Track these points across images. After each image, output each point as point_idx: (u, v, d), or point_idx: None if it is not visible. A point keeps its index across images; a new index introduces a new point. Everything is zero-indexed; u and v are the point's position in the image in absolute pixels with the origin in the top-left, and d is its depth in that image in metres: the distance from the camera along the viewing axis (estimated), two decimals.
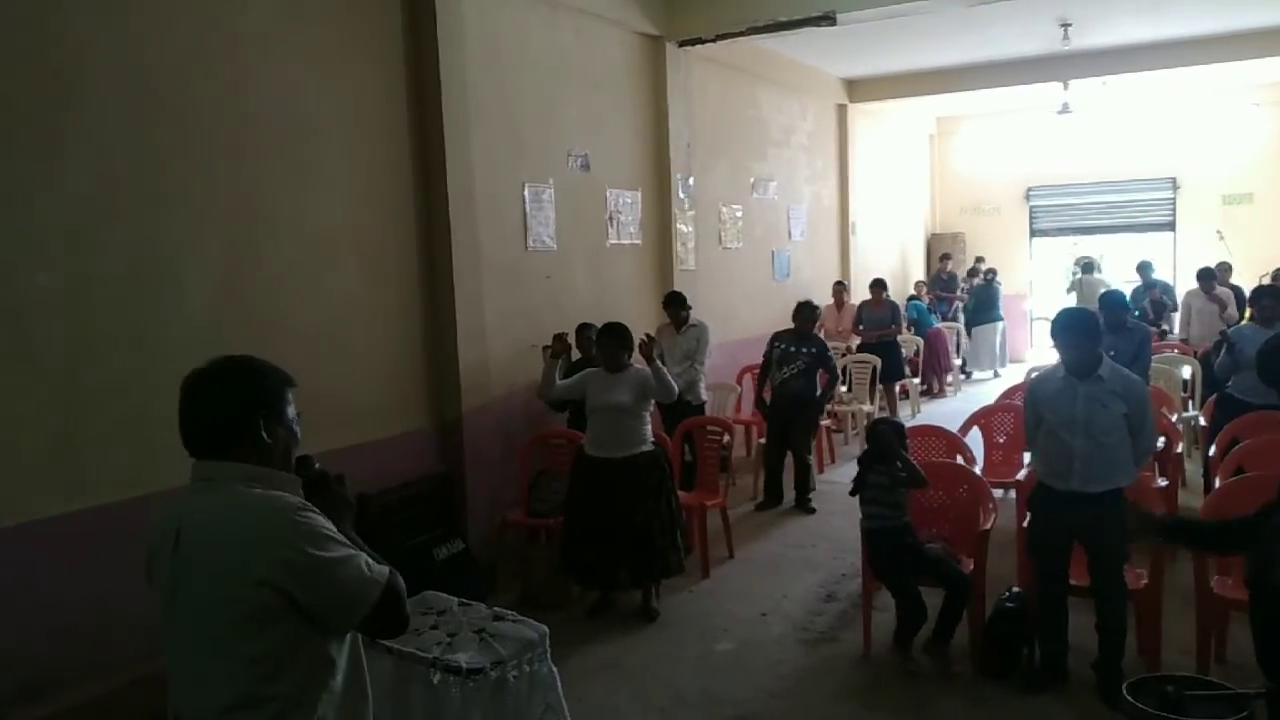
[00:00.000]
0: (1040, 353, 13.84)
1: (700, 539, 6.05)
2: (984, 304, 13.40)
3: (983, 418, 6.94)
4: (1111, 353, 4.91)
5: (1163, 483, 5.62)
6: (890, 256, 13.93)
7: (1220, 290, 9.75)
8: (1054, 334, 4.27)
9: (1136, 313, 9.81)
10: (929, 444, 6.06)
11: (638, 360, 5.44)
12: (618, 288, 7.57)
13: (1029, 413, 4.42)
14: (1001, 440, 6.82)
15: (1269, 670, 3.24)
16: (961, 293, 14.04)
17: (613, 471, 5.27)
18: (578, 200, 7.11)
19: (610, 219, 7.55)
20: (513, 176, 6.44)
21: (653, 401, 5.47)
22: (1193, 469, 7.12)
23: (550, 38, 6.83)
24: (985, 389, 11.75)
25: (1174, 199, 14.04)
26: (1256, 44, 10.29)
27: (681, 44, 8.21)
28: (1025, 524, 4.56)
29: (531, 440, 6.35)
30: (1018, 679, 4.41)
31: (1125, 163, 14.08)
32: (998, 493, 5.61)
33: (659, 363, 5.44)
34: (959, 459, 5.82)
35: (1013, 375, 11.92)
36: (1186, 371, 8.43)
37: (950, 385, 12.59)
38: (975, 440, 6.69)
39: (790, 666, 4.79)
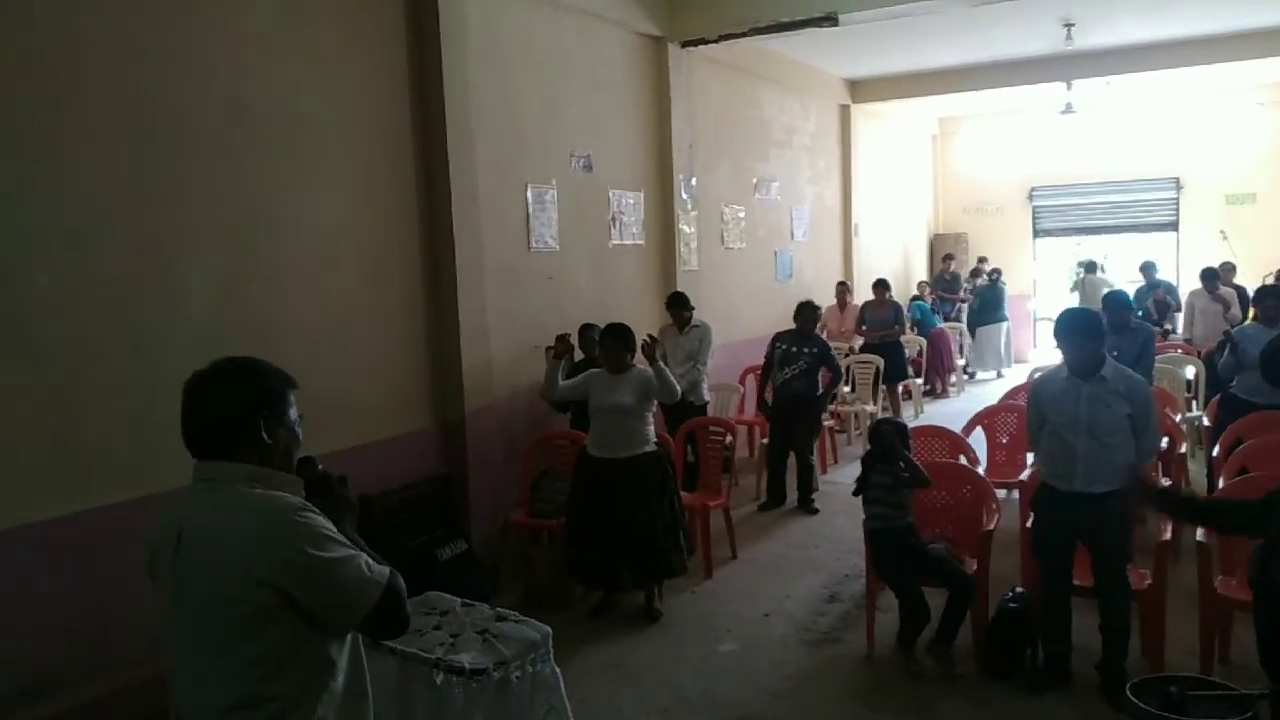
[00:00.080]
0: (1044, 353, 13.83)
1: (703, 539, 6.05)
2: (989, 304, 13.38)
3: (986, 418, 6.93)
4: (1115, 353, 4.90)
5: (1167, 483, 5.60)
6: (893, 257, 13.92)
7: (1224, 290, 9.74)
8: (1057, 334, 4.27)
9: (1140, 313, 9.79)
10: (932, 444, 6.05)
11: (640, 361, 5.44)
12: (620, 288, 7.57)
13: (1032, 413, 4.42)
14: (1005, 441, 6.81)
15: (1272, 671, 3.24)
16: (966, 292, 14.02)
17: (615, 472, 5.27)
18: (580, 201, 7.11)
19: (613, 219, 7.55)
20: (515, 177, 6.44)
21: (655, 402, 5.46)
22: (1196, 469, 7.11)
23: (553, 38, 6.83)
24: (988, 389, 11.74)
25: (1177, 199, 14.01)
26: (1260, 44, 10.27)
27: (684, 44, 8.21)
28: (1028, 524, 4.55)
29: (534, 441, 6.35)
30: (1021, 680, 4.41)
31: (1128, 163, 14.06)
32: (1001, 493, 5.60)
33: (661, 363, 5.43)
34: (962, 459, 5.81)
35: (1016, 376, 11.92)
36: (1190, 372, 8.41)
37: (953, 386, 12.58)
38: (979, 441, 6.69)
39: (793, 667, 4.78)
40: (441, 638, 3.57)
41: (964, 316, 13.76)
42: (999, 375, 13.38)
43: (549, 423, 6.58)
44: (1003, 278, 13.76)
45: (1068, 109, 11.90)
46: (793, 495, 7.58)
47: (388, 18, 5.50)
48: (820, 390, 7.56)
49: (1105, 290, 9.47)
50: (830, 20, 7.64)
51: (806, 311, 7.56)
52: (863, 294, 11.40)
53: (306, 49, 4.99)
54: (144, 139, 4.22)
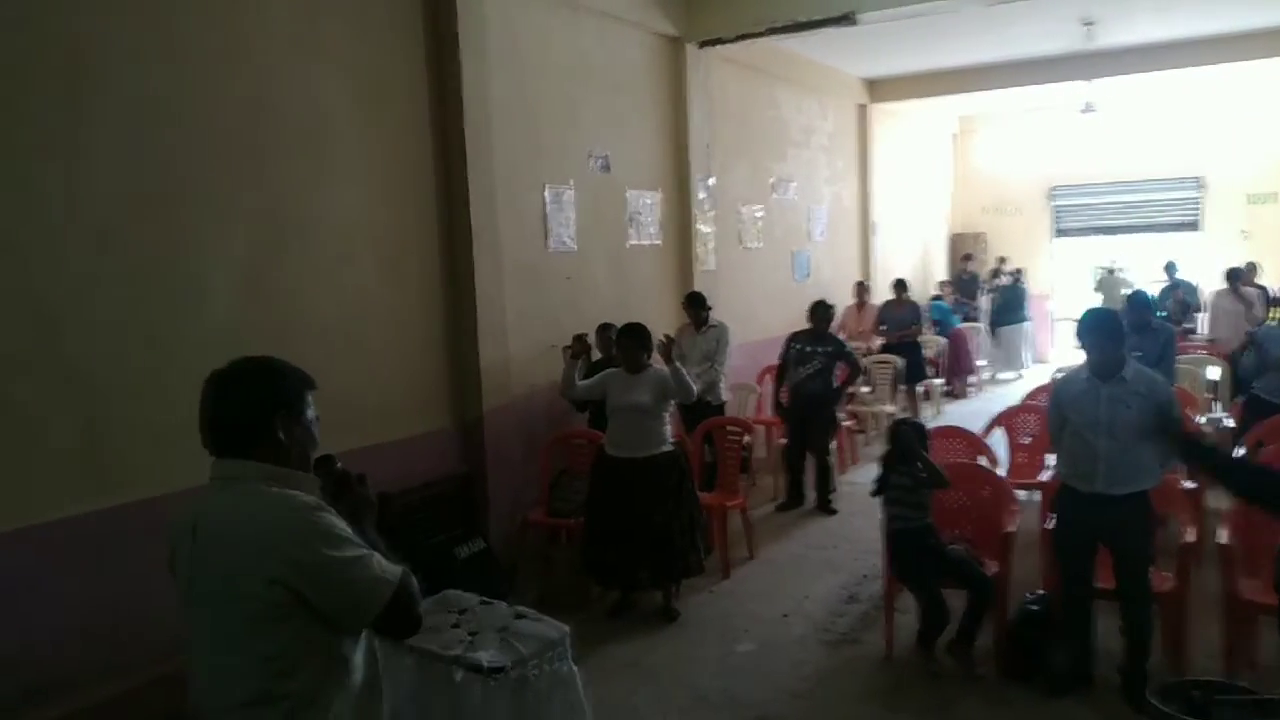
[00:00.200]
0: (1063, 353, 13.73)
1: (721, 540, 6.04)
2: (1010, 304, 13.31)
3: (1006, 419, 6.89)
4: (1137, 353, 4.87)
5: (1190, 485, 5.55)
6: (911, 256, 13.87)
7: (1246, 290, 9.65)
8: (1078, 334, 4.25)
9: (1162, 313, 9.72)
10: (951, 445, 6.02)
11: (657, 361, 5.44)
12: (638, 288, 7.57)
13: (1053, 414, 4.39)
14: (1026, 441, 6.76)
15: None
16: (985, 292, 13.94)
17: (633, 472, 5.27)
18: (598, 201, 7.12)
19: (630, 219, 7.56)
20: (533, 177, 6.46)
21: (672, 402, 5.46)
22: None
23: (571, 39, 6.84)
24: (1008, 390, 11.66)
25: (1200, 198, 13.89)
26: None
27: (701, 44, 8.20)
28: (1049, 526, 4.52)
29: (552, 440, 6.36)
30: (1041, 682, 4.37)
31: (1150, 162, 13.95)
32: (1023, 494, 5.57)
33: (678, 363, 5.43)
34: (981, 460, 5.78)
35: (1037, 376, 11.84)
36: (1214, 372, 8.33)
37: (973, 386, 12.51)
38: (999, 442, 6.65)
39: (812, 667, 4.77)
40: (460, 635, 3.58)
41: (982, 316, 13.70)
42: (1019, 376, 13.30)
43: (567, 422, 6.60)
44: (1024, 278, 13.68)
45: (1087, 108, 11.81)
46: (811, 496, 7.56)
47: (407, 19, 5.52)
48: (837, 385, 7.53)
49: (1126, 290, 9.41)
50: (848, 20, 7.62)
51: (820, 310, 7.54)
52: (881, 294, 11.36)
53: (327, 50, 5.02)
54: (167, 138, 4.26)
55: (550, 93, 6.61)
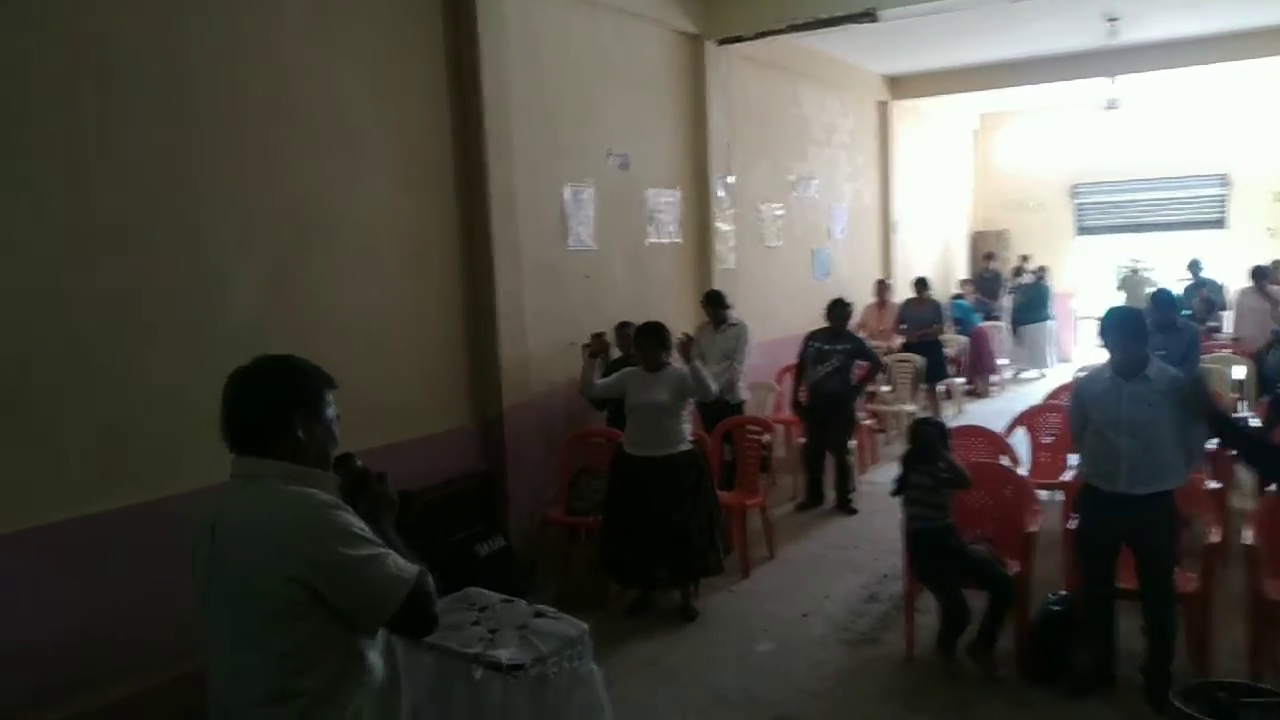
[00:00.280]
0: (1085, 352, 13.62)
1: (740, 539, 6.03)
2: (1033, 302, 13.22)
3: (1029, 418, 6.84)
4: (1161, 352, 4.83)
5: (1214, 485, 5.50)
6: (932, 254, 13.79)
7: (1272, 288, 9.54)
8: (1101, 333, 4.22)
9: (1187, 312, 9.62)
10: (972, 445, 5.99)
11: (676, 359, 5.43)
12: (657, 287, 7.57)
13: (1075, 413, 4.36)
14: (1048, 441, 6.72)
15: None
16: (1007, 291, 13.85)
17: (651, 470, 5.27)
18: (617, 199, 7.12)
19: (650, 218, 7.55)
20: (553, 176, 6.47)
21: (691, 401, 5.46)
22: (1245, 471, 6.97)
23: (590, 37, 6.85)
24: (1031, 389, 11.58)
25: (1225, 196, 13.74)
26: None
27: (721, 42, 8.19)
28: (1072, 526, 4.49)
29: (571, 438, 6.37)
30: (1063, 683, 4.35)
31: (1174, 159, 13.81)
32: (1044, 494, 5.53)
33: (697, 362, 5.42)
34: (1003, 460, 5.74)
35: (1060, 375, 11.75)
36: (1240, 372, 8.24)
37: (994, 385, 12.44)
38: (1021, 441, 6.61)
39: (832, 667, 4.76)
40: (480, 633, 3.59)
41: (1003, 315, 13.62)
42: (1042, 375, 13.21)
43: (586, 420, 6.60)
44: (1047, 276, 13.59)
45: (1111, 105, 11.71)
46: (831, 495, 7.54)
47: (427, 18, 5.54)
48: (856, 382, 7.50)
49: (1150, 288, 9.33)
50: (869, 16, 7.58)
51: (838, 309, 7.50)
52: (902, 292, 11.31)
53: (348, 50, 5.05)
54: (192, 138, 4.30)
55: (570, 91, 6.62)
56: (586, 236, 6.78)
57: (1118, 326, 4.15)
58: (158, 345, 4.17)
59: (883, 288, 11.09)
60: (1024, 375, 13.31)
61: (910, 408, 9.38)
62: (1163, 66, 10.92)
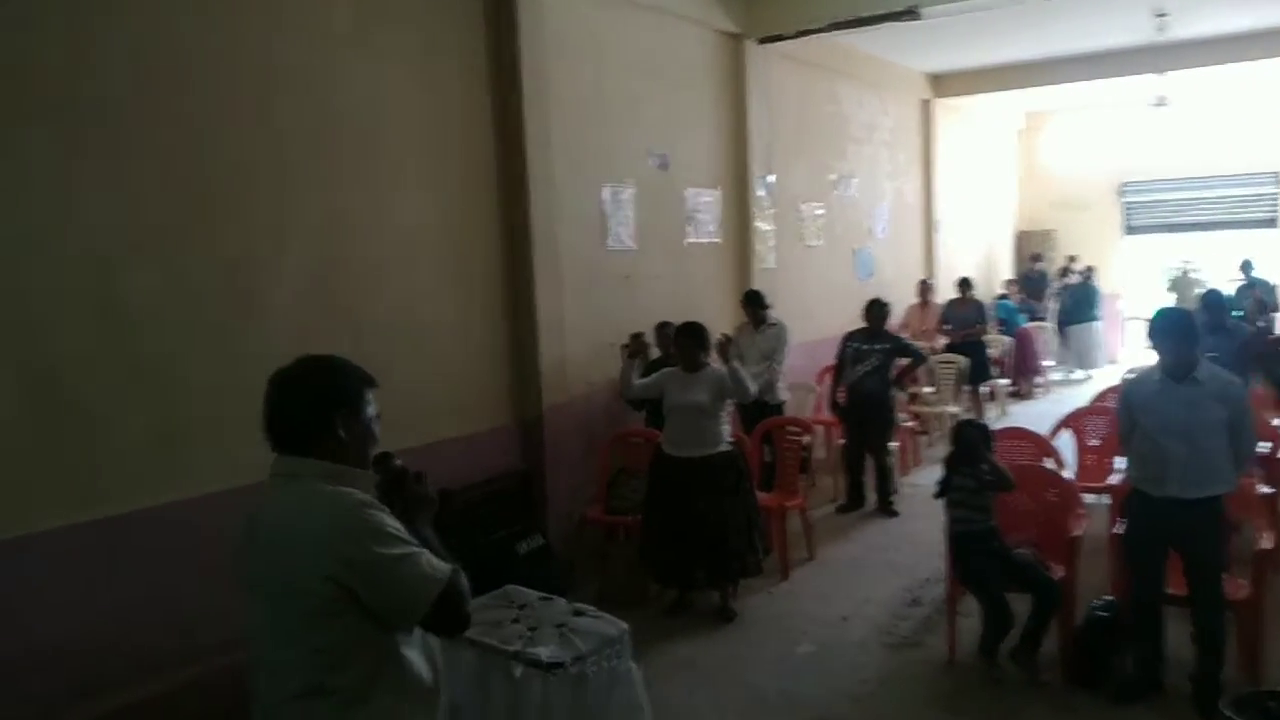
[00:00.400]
0: (1133, 354, 13.39)
1: (779, 540, 6.00)
2: (1081, 302, 13.02)
3: (1074, 420, 6.74)
4: (1212, 354, 4.74)
5: (1266, 489, 5.39)
6: (976, 254, 13.62)
7: None
8: (1151, 335, 4.14)
9: (1239, 313, 9.42)
10: (1016, 447, 5.91)
11: (715, 360, 5.42)
12: (696, 287, 7.56)
13: (1123, 416, 4.29)
14: (1095, 444, 6.61)
15: None
16: (1054, 291, 13.67)
17: (689, 471, 5.27)
18: (657, 199, 7.12)
19: (689, 218, 7.55)
20: (592, 176, 6.49)
21: (730, 401, 5.44)
22: None
23: (630, 37, 6.85)
24: (1077, 391, 11.39)
25: (1277, 194, 13.42)
26: None
27: (762, 41, 8.15)
28: (1119, 530, 4.42)
29: (611, 438, 6.39)
30: (1110, 689, 4.28)
31: (1225, 157, 13.49)
32: (1090, 498, 5.45)
33: (736, 363, 5.41)
34: (1048, 463, 5.66)
35: (1107, 377, 11.57)
36: None
37: (1039, 387, 12.27)
38: (1066, 444, 6.51)
39: (872, 671, 4.72)
40: (520, 631, 3.62)
41: (1049, 315, 13.43)
42: (1089, 376, 13.02)
43: (625, 420, 6.61)
44: (1094, 276, 13.38)
45: (1160, 102, 11.49)
46: (872, 497, 7.48)
47: (467, 19, 5.58)
48: (895, 374, 7.44)
49: (1200, 289, 9.15)
50: (911, 14, 7.51)
51: (876, 309, 7.45)
52: (945, 292, 11.19)
53: (391, 52, 5.10)
54: (239, 139, 4.36)
55: (610, 91, 6.63)
56: (626, 236, 6.79)
57: (1167, 328, 4.08)
58: (205, 345, 4.23)
59: (925, 288, 10.98)
60: (1071, 377, 13.11)
61: (953, 409, 9.29)
62: (1212, 62, 10.69)
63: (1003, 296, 12.93)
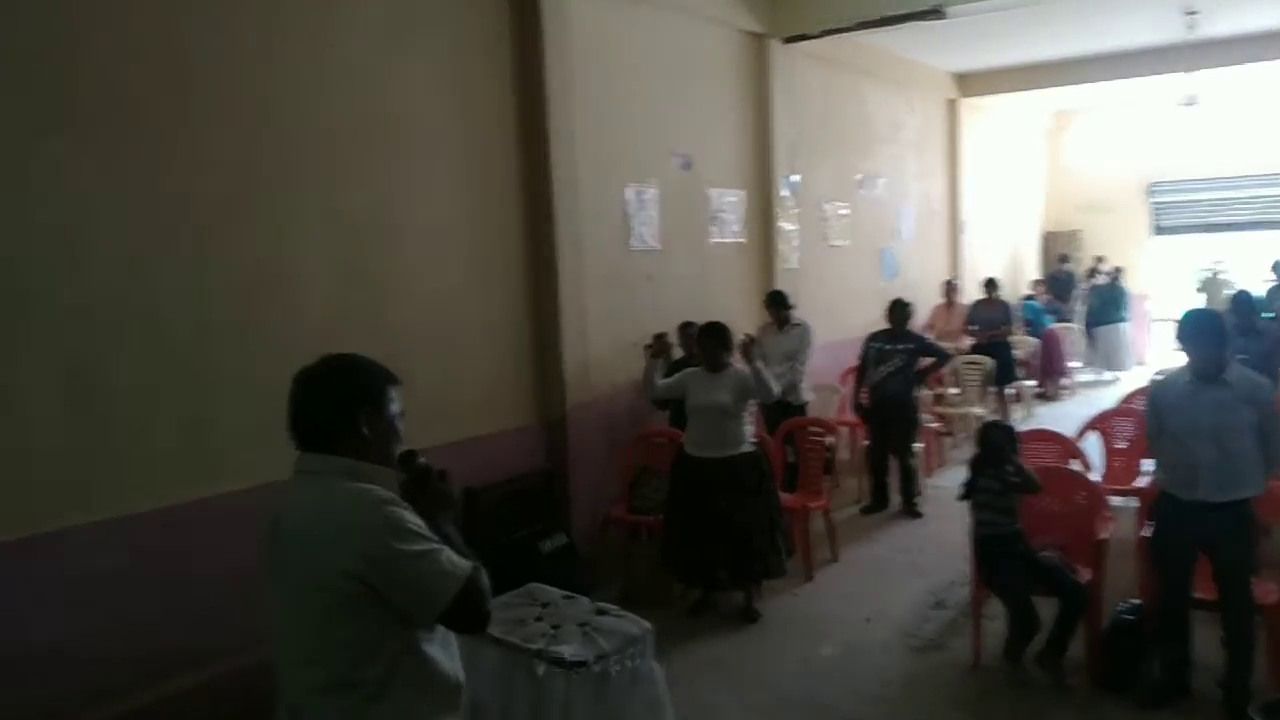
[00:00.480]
0: (1161, 355, 13.24)
1: (803, 541, 5.99)
2: (1108, 303, 12.90)
3: (1101, 422, 6.68)
4: (1242, 356, 4.68)
5: None
6: (1002, 255, 13.52)
7: None
8: (1179, 336, 4.10)
9: (1270, 314, 9.30)
10: (1043, 449, 5.86)
11: (738, 360, 5.41)
12: (720, 287, 7.55)
13: (1150, 418, 4.25)
14: (1122, 446, 6.55)
15: None
16: (1081, 293, 13.55)
17: (712, 471, 5.26)
18: (680, 199, 7.12)
19: (712, 218, 7.54)
20: (616, 177, 6.49)
21: (753, 402, 5.43)
22: None
23: (654, 38, 6.86)
24: (1104, 393, 11.29)
25: None
26: None
27: (786, 41, 8.14)
28: (1147, 533, 4.37)
29: (634, 438, 6.39)
30: (1136, 694, 4.24)
31: (1255, 156, 13.31)
32: (1118, 501, 5.40)
33: (759, 363, 5.39)
34: (1074, 465, 5.61)
35: (1135, 378, 11.45)
36: None
37: (1066, 388, 12.16)
38: (1093, 446, 6.45)
39: (897, 673, 4.70)
40: (543, 629, 3.63)
41: (1075, 317, 13.31)
42: (1115, 378, 12.89)
43: (648, 420, 6.61)
44: (1122, 277, 13.25)
45: (1189, 101, 11.35)
46: (896, 499, 7.45)
47: (493, 21, 5.61)
48: (919, 371, 7.41)
49: (1230, 291, 9.04)
50: (937, 13, 7.47)
51: (898, 309, 7.41)
52: (971, 293, 11.12)
53: (417, 53, 5.13)
54: (269, 139, 4.41)
55: (633, 92, 6.64)
56: (649, 237, 6.79)
57: (1195, 330, 4.03)
58: (236, 342, 4.28)
59: (951, 288, 10.91)
60: (1099, 379, 12.99)
61: (978, 411, 9.22)
62: (1243, 61, 10.55)
63: (1029, 297, 12.83)
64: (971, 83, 11.97)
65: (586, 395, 6.10)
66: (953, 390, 9.36)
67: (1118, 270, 13.36)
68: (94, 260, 3.82)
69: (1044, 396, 11.72)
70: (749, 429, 5.42)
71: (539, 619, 3.74)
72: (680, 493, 5.40)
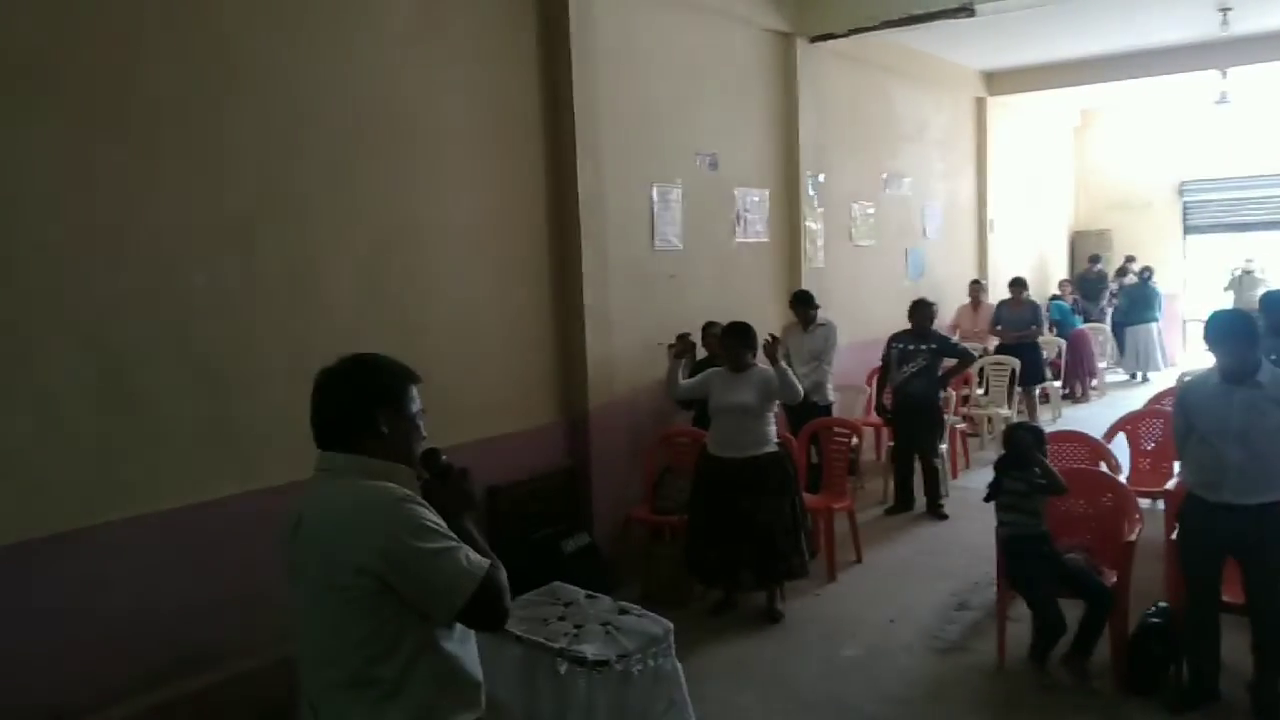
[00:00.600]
0: (1192, 356, 13.09)
1: (827, 542, 5.97)
2: (1138, 303, 12.77)
3: (1129, 424, 6.61)
4: (1273, 356, 4.62)
5: None
6: (1030, 255, 13.41)
7: None
8: (1207, 337, 4.05)
9: None
10: (1070, 450, 5.81)
11: (762, 360, 5.40)
12: (744, 286, 7.54)
13: (1178, 419, 4.20)
14: (1150, 448, 6.49)
15: None
16: (1111, 293, 13.42)
17: (735, 472, 5.25)
18: (705, 199, 7.11)
19: (737, 217, 7.53)
20: (641, 176, 6.50)
21: (776, 402, 5.42)
22: None
23: (680, 37, 6.86)
24: (1132, 394, 11.18)
25: None
26: None
27: (812, 40, 8.11)
28: (1175, 536, 4.33)
29: (657, 438, 6.39)
30: (1163, 698, 4.20)
31: None
32: (1145, 503, 5.35)
33: (783, 363, 5.38)
34: (1102, 466, 5.56)
35: (1165, 379, 11.33)
36: None
37: (1094, 389, 12.05)
38: (1121, 447, 6.38)
39: (920, 675, 4.68)
40: (566, 628, 3.64)
41: (1107, 317, 13.17)
42: (1145, 379, 12.76)
43: (671, 420, 6.61)
44: (1153, 277, 13.11)
45: (1222, 99, 11.20)
46: (921, 500, 7.41)
47: (519, 21, 5.63)
48: (940, 391, 7.36)
49: (1261, 290, 8.92)
50: (966, 11, 7.42)
51: (920, 309, 7.37)
52: (998, 293, 11.03)
53: (444, 54, 5.16)
54: (299, 139, 4.45)
55: (659, 91, 6.64)
56: (673, 236, 6.79)
57: (1225, 330, 3.97)
58: (263, 343, 4.32)
59: (977, 288, 10.84)
60: (1129, 380, 12.86)
61: (1005, 411, 9.17)
62: (1278, 58, 10.41)
63: (1057, 297, 12.71)
64: (999, 81, 11.87)
65: (609, 395, 6.11)
66: (979, 391, 9.29)
67: (1148, 270, 13.22)
68: (126, 260, 3.86)
69: (1071, 397, 11.62)
70: (772, 429, 5.41)
71: (561, 618, 3.76)
72: (703, 493, 5.40)
